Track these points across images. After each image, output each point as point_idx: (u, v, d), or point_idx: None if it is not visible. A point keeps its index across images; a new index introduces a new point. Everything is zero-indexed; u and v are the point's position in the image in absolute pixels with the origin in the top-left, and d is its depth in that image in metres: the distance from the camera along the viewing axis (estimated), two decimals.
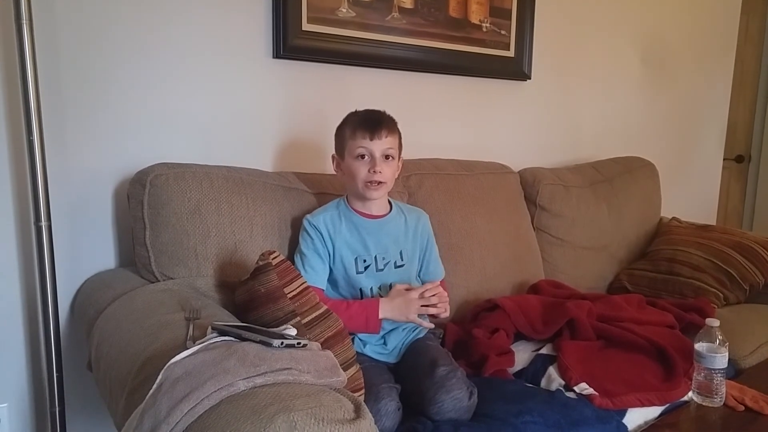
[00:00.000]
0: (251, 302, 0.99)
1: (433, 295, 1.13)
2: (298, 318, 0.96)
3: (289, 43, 1.40)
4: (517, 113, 1.91)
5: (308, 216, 1.17)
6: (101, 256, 1.27)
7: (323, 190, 1.33)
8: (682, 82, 2.46)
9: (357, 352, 1.06)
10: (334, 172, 1.22)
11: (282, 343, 0.79)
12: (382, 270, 1.16)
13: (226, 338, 0.81)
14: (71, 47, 1.18)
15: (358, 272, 1.14)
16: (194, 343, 0.81)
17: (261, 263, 0.99)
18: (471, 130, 1.82)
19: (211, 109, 1.36)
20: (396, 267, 1.17)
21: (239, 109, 1.40)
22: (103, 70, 1.22)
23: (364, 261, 1.15)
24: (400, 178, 1.49)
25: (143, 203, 1.12)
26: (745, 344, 1.35)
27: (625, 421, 1.03)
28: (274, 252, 1.01)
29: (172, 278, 1.13)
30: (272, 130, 1.45)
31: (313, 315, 0.98)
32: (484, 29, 1.74)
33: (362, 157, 1.11)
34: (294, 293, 0.98)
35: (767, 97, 3.30)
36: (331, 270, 1.16)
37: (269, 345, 0.78)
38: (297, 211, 1.26)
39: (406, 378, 1.08)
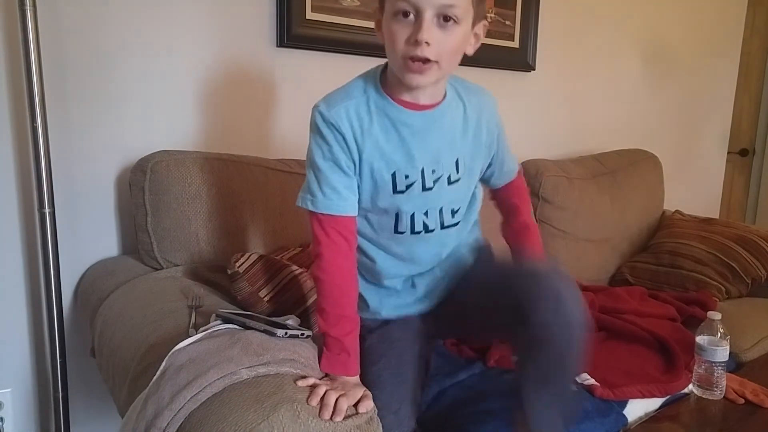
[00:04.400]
0: (239, 303, 0.97)
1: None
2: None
3: (293, 31, 1.39)
4: (520, 104, 1.90)
5: (321, 105, 0.79)
6: (104, 243, 1.27)
7: None
8: (687, 74, 2.45)
9: (368, 320, 0.86)
10: None
11: (286, 333, 0.79)
12: (430, 189, 0.80)
13: (230, 326, 0.81)
14: (75, 33, 1.17)
15: (396, 191, 0.79)
16: (197, 330, 0.81)
17: (229, 272, 0.94)
18: None
19: (214, 98, 1.35)
20: (450, 183, 0.81)
21: (243, 97, 1.39)
22: (106, 57, 1.21)
23: (406, 177, 0.78)
24: None
25: (144, 189, 1.12)
26: (746, 337, 1.35)
27: (625, 412, 1.03)
28: (242, 257, 0.95)
29: (174, 263, 1.14)
30: (276, 119, 1.45)
31: (303, 308, 0.95)
32: (489, 20, 1.72)
33: (404, 14, 0.71)
34: (270, 295, 0.93)
35: None
36: (362, 190, 0.81)
37: (273, 335, 0.78)
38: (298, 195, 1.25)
39: (456, 317, 0.85)
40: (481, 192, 0.93)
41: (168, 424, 0.68)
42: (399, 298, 0.87)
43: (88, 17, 1.18)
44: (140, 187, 1.13)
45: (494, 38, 1.74)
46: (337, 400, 0.67)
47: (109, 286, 1.11)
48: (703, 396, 1.08)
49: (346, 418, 0.67)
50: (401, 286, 0.87)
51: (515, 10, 1.76)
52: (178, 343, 0.76)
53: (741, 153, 3.25)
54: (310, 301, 0.97)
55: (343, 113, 0.78)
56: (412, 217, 0.81)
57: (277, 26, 1.39)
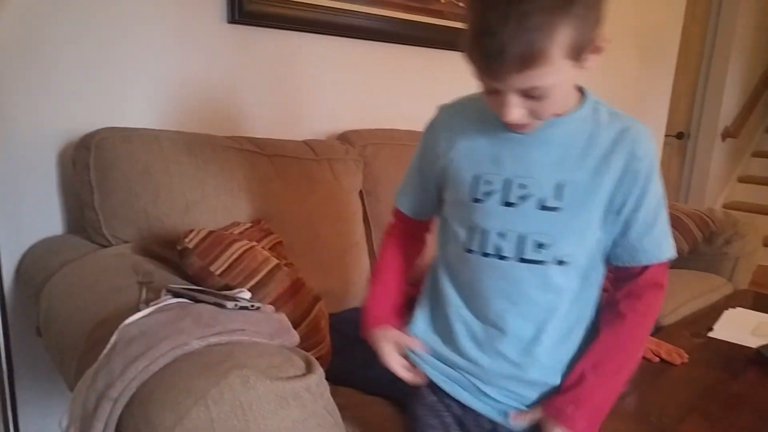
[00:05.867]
0: (190, 278, 0.98)
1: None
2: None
3: (245, 8, 1.37)
4: (473, 85, 1.94)
5: (441, 105, 0.81)
6: (47, 221, 1.24)
7: (277, 153, 1.33)
8: (628, 60, 2.57)
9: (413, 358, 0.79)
10: (289, 138, 1.19)
11: (236, 305, 0.81)
12: (513, 205, 0.68)
13: (181, 300, 0.83)
14: (10, 3, 1.12)
15: (474, 199, 0.71)
16: (147, 305, 0.83)
17: (179, 248, 0.97)
18: (428, 101, 1.83)
19: (162, 74, 1.32)
20: (543, 208, 0.68)
21: (192, 74, 1.37)
22: (45, 29, 1.16)
23: (488, 183, 0.70)
24: (357, 147, 1.51)
25: (89, 166, 1.11)
26: (666, 305, 1.48)
27: None
28: (191, 233, 0.97)
29: (124, 240, 1.13)
30: (226, 96, 1.44)
31: (255, 280, 0.97)
32: (443, 0, 1.75)
33: (490, 91, 0.65)
34: (222, 269, 0.95)
35: (708, 75, 3.49)
36: (445, 194, 0.76)
37: (223, 307, 0.81)
38: (249, 171, 1.26)
39: None
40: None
41: (120, 395, 0.70)
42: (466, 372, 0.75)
43: None
44: (85, 163, 1.11)
45: (448, 19, 1.77)
46: None
47: (54, 264, 1.09)
48: None
49: (296, 378, 0.70)
50: (468, 347, 0.74)
51: None
52: (127, 318, 0.78)
53: (677, 136, 3.46)
54: (262, 274, 0.98)
55: (448, 110, 0.78)
56: (486, 233, 0.70)
57: (228, 2, 1.37)
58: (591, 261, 0.71)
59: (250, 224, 1.16)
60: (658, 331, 1.36)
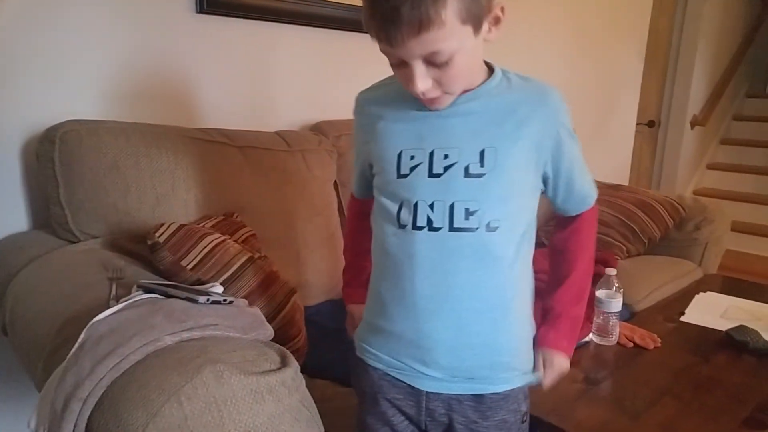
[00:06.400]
0: (161, 273, 0.97)
1: None
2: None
3: None
4: None
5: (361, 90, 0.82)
6: (11, 217, 1.19)
7: (248, 144, 1.31)
8: (600, 52, 2.60)
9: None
10: (261, 130, 1.17)
11: (208, 299, 0.80)
12: (439, 175, 0.70)
13: (152, 296, 0.81)
14: None
15: (400, 175, 0.71)
16: (117, 302, 0.80)
17: (150, 243, 0.95)
18: None
19: (130, 66, 1.28)
20: (468, 175, 0.69)
21: (160, 65, 1.33)
22: (5, 20, 1.11)
23: (412, 158, 0.71)
24: (330, 138, 1.50)
25: (54, 160, 1.07)
26: (640, 290, 1.51)
27: None
28: (162, 227, 0.97)
29: (92, 235, 1.10)
30: (196, 88, 1.40)
31: (228, 274, 0.96)
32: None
33: (397, 65, 0.68)
34: (194, 263, 0.95)
35: (676, 65, 3.56)
36: (375, 176, 0.77)
37: (195, 301, 0.79)
38: (220, 163, 1.24)
39: None
40: (534, 219, 0.76)
41: (89, 394, 0.68)
42: (404, 344, 0.74)
43: None
44: (49, 157, 1.08)
45: None
46: None
47: (20, 260, 1.06)
48: (600, 342, 1.21)
49: (271, 372, 0.70)
50: (402, 322, 0.73)
51: None
52: (97, 315, 0.76)
53: (649, 124, 3.53)
54: (235, 267, 0.97)
55: (369, 94, 0.79)
56: (416, 206, 0.70)
57: None
58: (516, 227, 0.72)
59: (222, 217, 1.14)
60: (633, 317, 1.39)
